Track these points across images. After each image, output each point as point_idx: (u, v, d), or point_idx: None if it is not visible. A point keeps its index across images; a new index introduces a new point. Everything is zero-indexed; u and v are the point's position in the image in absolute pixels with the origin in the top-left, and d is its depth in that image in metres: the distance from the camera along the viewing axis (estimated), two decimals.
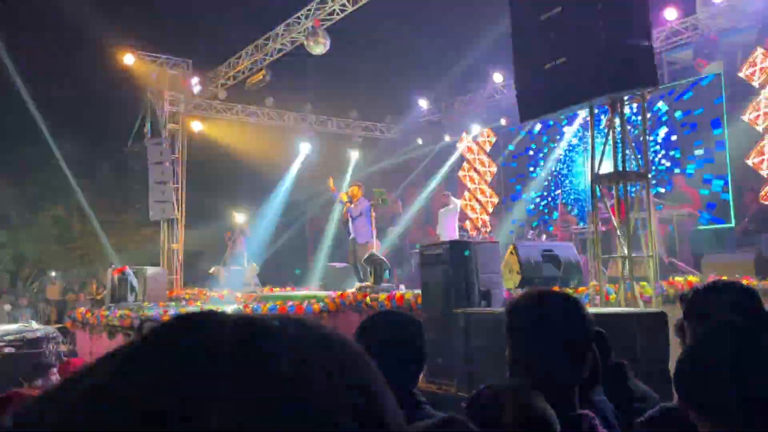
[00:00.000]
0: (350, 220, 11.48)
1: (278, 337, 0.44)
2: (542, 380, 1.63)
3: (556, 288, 6.98)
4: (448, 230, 12.57)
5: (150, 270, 12.81)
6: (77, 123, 18.92)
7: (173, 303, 11.97)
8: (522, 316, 1.82)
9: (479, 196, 17.63)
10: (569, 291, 7.02)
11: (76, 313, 11.19)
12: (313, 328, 0.47)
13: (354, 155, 18.31)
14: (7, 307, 13.75)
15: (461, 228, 13.30)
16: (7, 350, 6.89)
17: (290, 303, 9.74)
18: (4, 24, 16.33)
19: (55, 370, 4.44)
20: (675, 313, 5.67)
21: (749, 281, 7.47)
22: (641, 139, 7.57)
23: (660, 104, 13.35)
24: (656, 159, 13.21)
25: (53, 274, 18.91)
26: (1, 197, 19.96)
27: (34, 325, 9.94)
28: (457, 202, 13.48)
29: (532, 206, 16.29)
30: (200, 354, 0.41)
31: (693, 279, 7.80)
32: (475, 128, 17.21)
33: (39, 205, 20.91)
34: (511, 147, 17.05)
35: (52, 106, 17.97)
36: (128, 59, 14.35)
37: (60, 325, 11.11)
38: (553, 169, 15.93)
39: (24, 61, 17.15)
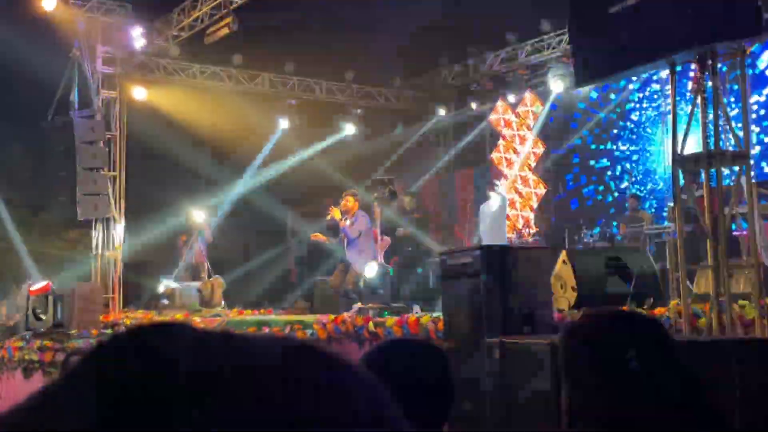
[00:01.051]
0: (346, 242, 11.40)
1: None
2: (612, 431, 1.62)
3: (625, 309, 6.97)
4: (498, 231, 12.54)
5: (79, 287, 12.84)
6: None
7: (110, 330, 11.99)
8: (587, 346, 1.83)
9: (520, 187, 17.59)
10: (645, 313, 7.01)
11: None
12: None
13: (349, 130, 18.35)
14: None
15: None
16: None
17: (267, 330, 9.72)
18: None
19: None
20: None
21: None
22: (740, 107, 7.53)
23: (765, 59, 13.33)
24: (758, 134, 13.19)
25: None
26: None
27: None
28: (504, 194, 13.43)
29: (591, 199, 16.24)
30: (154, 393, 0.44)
31: None
32: (514, 95, 17.20)
33: None
34: (563, 119, 17.00)
35: None
36: (47, 4, 14.34)
37: None
38: (620, 149, 15.87)
39: None
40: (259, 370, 0.48)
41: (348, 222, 11.33)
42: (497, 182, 13.58)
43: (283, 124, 17.81)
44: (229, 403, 0.45)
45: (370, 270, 11.15)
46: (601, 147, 16.33)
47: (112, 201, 15.08)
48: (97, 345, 0.50)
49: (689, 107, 7.19)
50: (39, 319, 11.59)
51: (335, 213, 11.47)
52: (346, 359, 0.54)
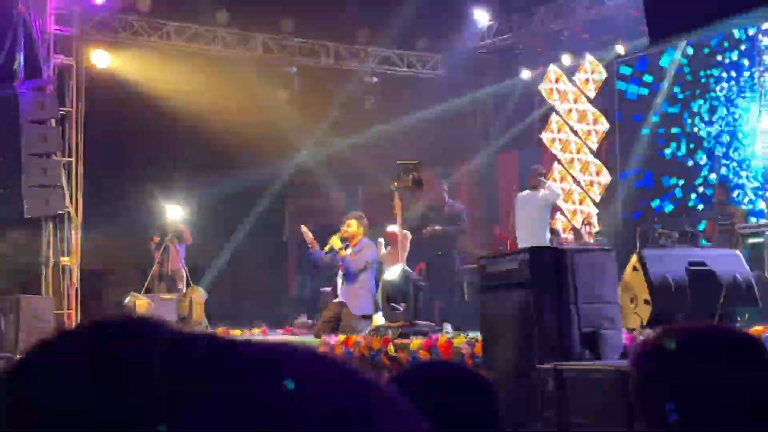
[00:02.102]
0: (344, 277, 11.34)
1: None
2: None
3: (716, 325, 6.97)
4: (536, 231, 12.54)
5: (26, 300, 12.94)
6: None
7: None
8: (666, 373, 1.81)
9: (578, 175, 17.57)
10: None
11: None
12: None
13: (365, 106, 18.42)
14: None
15: (552, 231, 13.30)
16: None
17: None
18: None
19: None
20: None
21: None
22: None
23: None
24: None
25: None
26: None
27: None
28: (555, 189, 13.43)
29: (668, 191, 16.18)
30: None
31: None
32: (570, 59, 17.19)
33: None
34: (633, 90, 16.97)
35: None
36: None
37: None
38: (705, 128, 15.81)
39: None
40: (246, 378, 0.48)
41: (349, 251, 11.27)
42: (542, 170, 13.56)
43: (282, 95, 17.87)
44: (208, 415, 0.45)
45: (392, 273, 11.14)
46: (684, 122, 16.25)
47: (67, 194, 15.16)
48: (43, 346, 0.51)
49: None
50: None
51: (334, 242, 11.35)
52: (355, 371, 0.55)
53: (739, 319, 7.63)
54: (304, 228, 12.16)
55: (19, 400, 0.47)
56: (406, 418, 0.54)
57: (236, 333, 13.50)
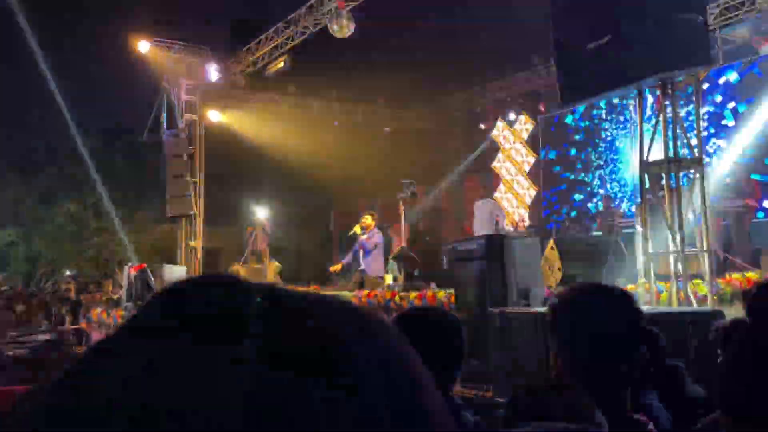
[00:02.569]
0: (362, 253, 11.39)
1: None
2: (590, 382, 1.60)
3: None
4: (486, 225, 12.49)
5: (168, 269, 12.96)
6: (90, 114, 19.24)
7: None
8: (568, 314, 1.79)
9: (516, 189, 17.49)
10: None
11: (92, 313, 11.36)
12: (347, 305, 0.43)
13: (381, 144, 18.38)
14: (20, 308, 14.03)
15: (496, 223, 13.25)
16: (19, 352, 7.03)
17: None
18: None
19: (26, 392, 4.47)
20: (733, 314, 5.56)
21: None
22: (694, 123, 7.41)
23: (711, 85, 13.12)
24: (709, 145, 12.96)
25: (68, 273, 19.28)
26: (11, 192, 20.36)
27: (46, 326, 10.13)
28: (496, 204, 13.40)
29: (573, 202, 16.11)
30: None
31: (752, 276, 7.64)
32: (512, 116, 17.13)
33: (51, 200, 21.30)
34: (552, 133, 16.89)
35: (68, 98, 18.26)
36: (143, 46, 14.51)
37: (75, 327, 11.30)
38: (597, 158, 15.72)
39: (33, 47, 17.44)
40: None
41: (365, 236, 11.33)
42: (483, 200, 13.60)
43: (328, 138, 17.84)
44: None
45: (394, 251, 11.20)
46: (583, 154, 16.15)
47: (194, 202, 15.19)
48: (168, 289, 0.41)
49: (654, 123, 7.11)
50: (137, 293, 11.71)
51: (357, 229, 11.41)
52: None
53: (617, 282, 7.55)
54: (334, 269, 12.65)
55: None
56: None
57: (300, 288, 13.53)
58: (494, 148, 17.91)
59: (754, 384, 1.55)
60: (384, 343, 0.41)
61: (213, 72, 15.50)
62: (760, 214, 11.70)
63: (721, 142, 13.01)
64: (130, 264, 13.09)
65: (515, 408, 1.48)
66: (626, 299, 1.82)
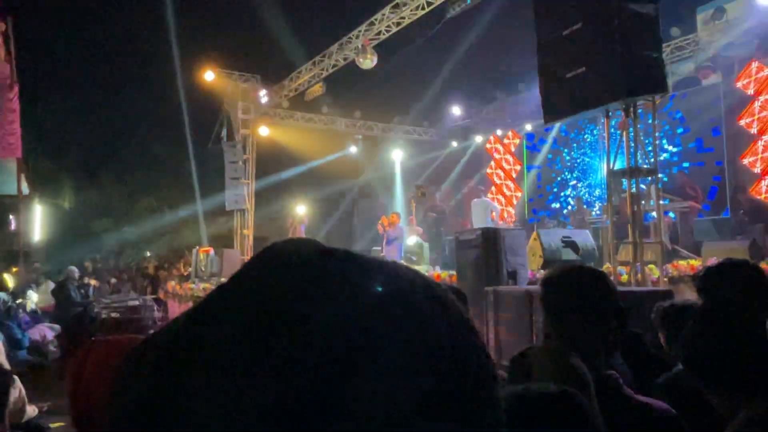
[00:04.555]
0: (385, 242, 11.45)
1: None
2: (574, 345, 1.60)
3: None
4: (481, 220, 12.46)
5: (227, 252, 13.05)
6: (168, 129, 19.41)
7: None
8: (557, 288, 1.78)
9: (505, 191, 17.40)
10: None
11: (167, 286, 11.48)
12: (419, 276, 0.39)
13: (398, 154, 18.34)
14: (113, 281, 14.22)
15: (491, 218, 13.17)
16: (113, 315, 7.13)
17: None
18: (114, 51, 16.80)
19: (151, 332, 4.52)
20: (679, 292, 5.53)
21: None
22: (651, 139, 7.34)
23: (667, 109, 13.02)
24: (663, 157, 12.87)
25: (148, 254, 19.48)
26: (107, 192, 20.65)
27: (134, 295, 10.25)
28: (490, 202, 13.34)
29: (552, 202, 16.02)
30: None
31: (694, 263, 7.58)
32: (501, 131, 17.03)
33: (135, 196, 21.56)
34: (534, 147, 16.79)
35: (149, 115, 18.47)
36: (209, 75, 14.61)
37: (154, 296, 11.42)
38: (572, 166, 15.62)
39: (125, 79, 17.65)
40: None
41: (390, 228, 11.40)
42: (483, 194, 13.50)
43: (352, 150, 17.88)
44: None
45: (411, 240, 11.21)
46: (560, 163, 16.05)
47: (246, 199, 15.28)
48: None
49: (618, 139, 7.05)
50: (203, 270, 11.81)
51: (383, 221, 11.62)
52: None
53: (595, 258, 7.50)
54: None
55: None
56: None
57: None
58: (488, 158, 17.85)
59: (709, 347, 1.55)
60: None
61: (263, 96, 15.56)
62: (701, 215, 11.63)
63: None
64: (197, 247, 13.19)
65: (514, 368, 1.47)
66: (603, 278, 1.81)
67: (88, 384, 1.07)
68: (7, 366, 4.54)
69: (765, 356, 1.52)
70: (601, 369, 1.67)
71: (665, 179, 12.15)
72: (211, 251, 12.09)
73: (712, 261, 7.61)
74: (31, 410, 4.69)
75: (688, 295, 4.93)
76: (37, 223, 14.39)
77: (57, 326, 9.79)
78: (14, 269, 12.03)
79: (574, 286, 1.74)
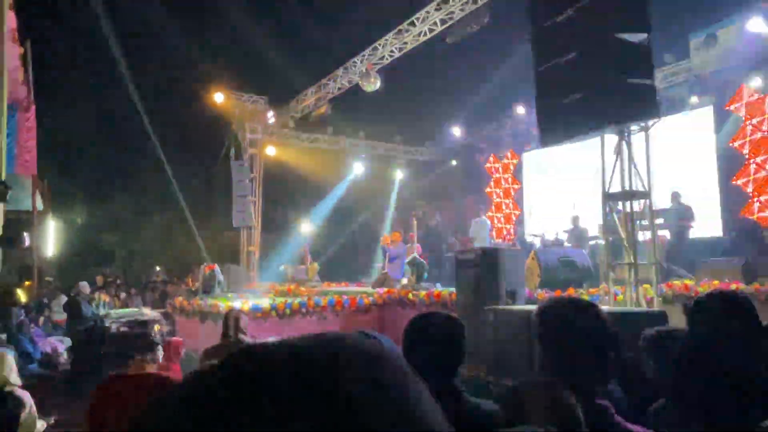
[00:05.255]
0: (388, 258, 11.48)
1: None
2: (570, 377, 1.60)
3: (571, 290, 6.83)
4: (481, 238, 12.48)
5: (233, 268, 13.03)
6: (178, 147, 19.52)
7: (250, 294, 12.13)
8: (550, 322, 1.77)
9: (504, 209, 17.40)
10: (584, 294, 6.86)
11: (175, 301, 11.45)
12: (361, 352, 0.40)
13: (399, 174, 18.37)
14: (123, 295, 14.21)
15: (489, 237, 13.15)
16: (123, 329, 7.11)
17: (345, 297, 9.73)
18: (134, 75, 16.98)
19: (160, 346, 4.54)
20: (673, 312, 5.50)
21: (738, 285, 7.23)
22: (645, 162, 7.36)
23: (660, 131, 13.04)
24: (656, 179, 12.85)
25: (158, 268, 19.48)
26: (118, 208, 20.72)
27: (144, 309, 10.24)
28: (487, 221, 13.36)
29: (550, 219, 15.98)
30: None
31: (689, 282, 7.55)
32: (501, 152, 17.10)
33: (145, 213, 21.64)
34: (532, 167, 16.81)
35: (159, 134, 18.59)
36: (218, 97, 14.75)
37: (163, 310, 11.40)
38: (569, 188, 15.62)
39: (138, 98, 17.80)
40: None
41: (392, 247, 11.43)
42: (483, 213, 13.49)
43: (357, 168, 17.96)
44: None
45: (410, 258, 11.18)
46: (557, 184, 16.03)
47: (253, 216, 15.31)
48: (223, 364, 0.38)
49: (614, 162, 7.06)
50: (209, 286, 11.78)
51: (386, 239, 11.70)
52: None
53: (584, 285, 7.46)
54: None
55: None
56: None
57: (333, 284, 13.33)
58: (488, 177, 17.88)
59: (694, 379, 1.55)
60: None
61: (270, 117, 15.69)
62: (696, 232, 11.60)
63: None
64: (204, 263, 13.19)
65: (506, 403, 1.46)
66: (595, 311, 1.81)
67: (106, 414, 1.08)
68: (18, 382, 4.54)
69: (752, 388, 1.53)
70: (595, 398, 1.67)
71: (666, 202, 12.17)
72: (216, 267, 12.08)
73: (706, 281, 7.60)
74: (41, 425, 4.68)
75: (681, 317, 4.91)
76: (51, 238, 14.44)
77: (68, 339, 9.79)
78: (27, 283, 12.06)
79: (567, 320, 1.73)
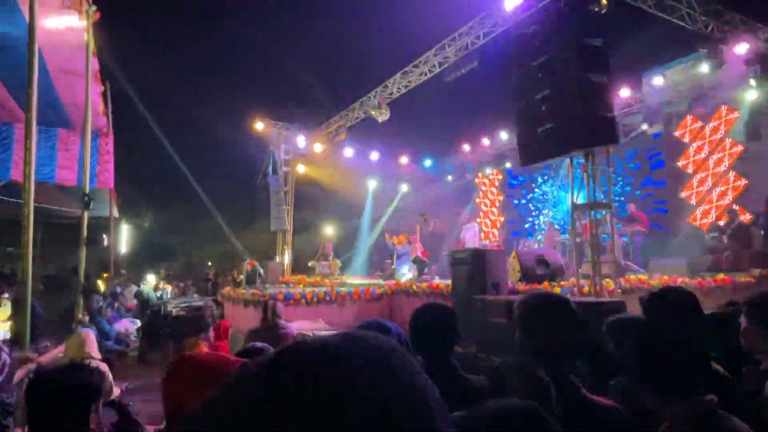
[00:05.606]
0: (396, 256, 11.45)
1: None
2: (544, 357, 1.60)
3: (546, 284, 6.78)
4: (472, 241, 12.42)
5: (270, 263, 13.06)
6: (226, 165, 19.66)
7: (284, 285, 12.16)
8: (529, 313, 1.77)
9: (491, 216, 17.33)
10: (556, 287, 6.81)
11: (224, 290, 11.51)
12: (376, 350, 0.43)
13: (404, 188, 18.32)
14: (181, 285, 14.30)
15: (479, 239, 13.05)
16: (181, 313, 7.16)
17: (361, 288, 9.72)
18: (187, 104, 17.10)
19: (211, 328, 4.55)
20: (630, 301, 5.45)
21: (683, 279, 7.15)
22: (606, 179, 7.32)
23: (618, 154, 12.98)
24: (616, 189, 12.79)
25: (209, 264, 19.57)
26: (178, 215, 20.86)
27: (197, 297, 10.29)
28: (476, 226, 13.29)
29: (528, 225, 15.93)
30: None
31: (642, 277, 7.48)
32: (488, 170, 17.04)
33: (200, 218, 21.77)
34: (513, 182, 16.75)
35: (212, 154, 18.73)
36: (259, 125, 14.84)
37: (213, 298, 11.45)
38: (544, 198, 15.55)
39: (195, 126, 17.96)
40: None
41: (399, 246, 11.38)
42: (473, 219, 13.38)
43: (372, 183, 17.92)
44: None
45: (413, 257, 11.14)
46: (536, 196, 15.97)
47: (286, 221, 15.34)
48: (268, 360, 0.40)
49: (580, 178, 7.03)
50: (251, 279, 11.80)
51: (394, 239, 11.60)
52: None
53: (556, 279, 7.40)
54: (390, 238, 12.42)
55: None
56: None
57: (351, 277, 13.36)
58: (477, 190, 17.78)
59: (648, 358, 1.55)
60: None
61: (300, 140, 15.74)
62: (648, 237, 11.51)
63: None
64: (247, 260, 13.23)
65: (491, 378, 1.45)
66: (566, 302, 1.80)
67: (178, 388, 1.10)
68: (98, 355, 4.58)
69: (694, 367, 1.52)
70: (565, 374, 1.67)
71: (620, 208, 12.08)
72: (257, 263, 12.12)
73: (657, 276, 7.52)
74: (117, 391, 4.72)
75: (637, 305, 4.86)
76: (124, 239, 14.57)
77: (137, 321, 9.88)
78: (105, 275, 12.17)
79: (543, 312, 1.73)
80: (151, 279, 10.58)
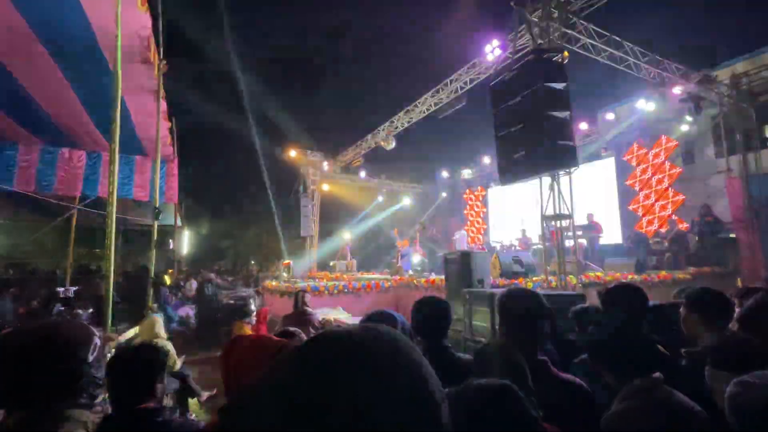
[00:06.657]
0: (400, 256, 11.39)
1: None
2: (518, 341, 1.58)
3: (521, 280, 6.69)
4: (462, 245, 12.32)
5: (300, 262, 13.00)
6: (266, 184, 19.75)
7: (311, 279, 12.12)
8: (508, 304, 1.75)
9: (476, 224, 17.21)
10: (529, 282, 6.72)
11: (265, 284, 11.51)
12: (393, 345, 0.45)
13: (406, 201, 18.30)
14: (231, 278, 14.31)
15: (467, 243, 12.91)
16: (230, 302, 7.17)
17: (373, 282, 9.66)
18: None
19: (254, 314, 4.51)
20: (589, 293, 5.35)
21: (632, 276, 7.03)
22: (569, 195, 7.25)
23: (579, 174, 12.84)
24: (576, 206, 12.62)
25: (253, 262, 19.60)
26: (229, 223, 20.98)
27: (243, 289, 10.28)
28: (464, 235, 13.17)
29: (507, 231, 15.75)
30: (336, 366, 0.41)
31: (599, 274, 7.38)
32: (474, 189, 16.94)
33: (246, 226, 21.90)
34: (495, 197, 16.62)
35: (253, 176, 18.82)
36: (292, 153, 14.94)
37: (256, 289, 11.44)
38: (519, 211, 15.40)
39: (243, 152, 18.10)
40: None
41: (403, 249, 11.32)
42: (462, 229, 13.24)
43: (379, 198, 17.90)
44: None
45: (416, 258, 11.05)
46: (511, 209, 15.80)
47: (314, 228, 15.34)
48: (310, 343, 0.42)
49: (548, 194, 6.97)
50: (286, 274, 11.74)
51: (399, 243, 11.53)
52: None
53: (529, 275, 7.28)
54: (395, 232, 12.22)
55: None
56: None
57: (365, 273, 13.20)
58: (465, 204, 17.65)
59: (605, 342, 1.52)
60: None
61: (325, 165, 15.80)
62: (604, 240, 11.37)
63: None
64: (283, 259, 13.24)
65: (477, 359, 1.44)
66: (537, 295, 1.78)
67: (234, 362, 1.08)
68: (165, 336, 4.60)
69: (643, 349, 1.49)
70: (537, 355, 1.65)
71: (583, 220, 11.91)
72: (291, 262, 12.11)
73: (611, 273, 7.40)
74: (180, 362, 4.73)
75: (595, 297, 4.78)
76: (185, 243, 14.68)
77: (196, 308, 9.90)
78: (170, 271, 12.25)
79: (519, 303, 1.71)
80: (206, 274, 10.61)
